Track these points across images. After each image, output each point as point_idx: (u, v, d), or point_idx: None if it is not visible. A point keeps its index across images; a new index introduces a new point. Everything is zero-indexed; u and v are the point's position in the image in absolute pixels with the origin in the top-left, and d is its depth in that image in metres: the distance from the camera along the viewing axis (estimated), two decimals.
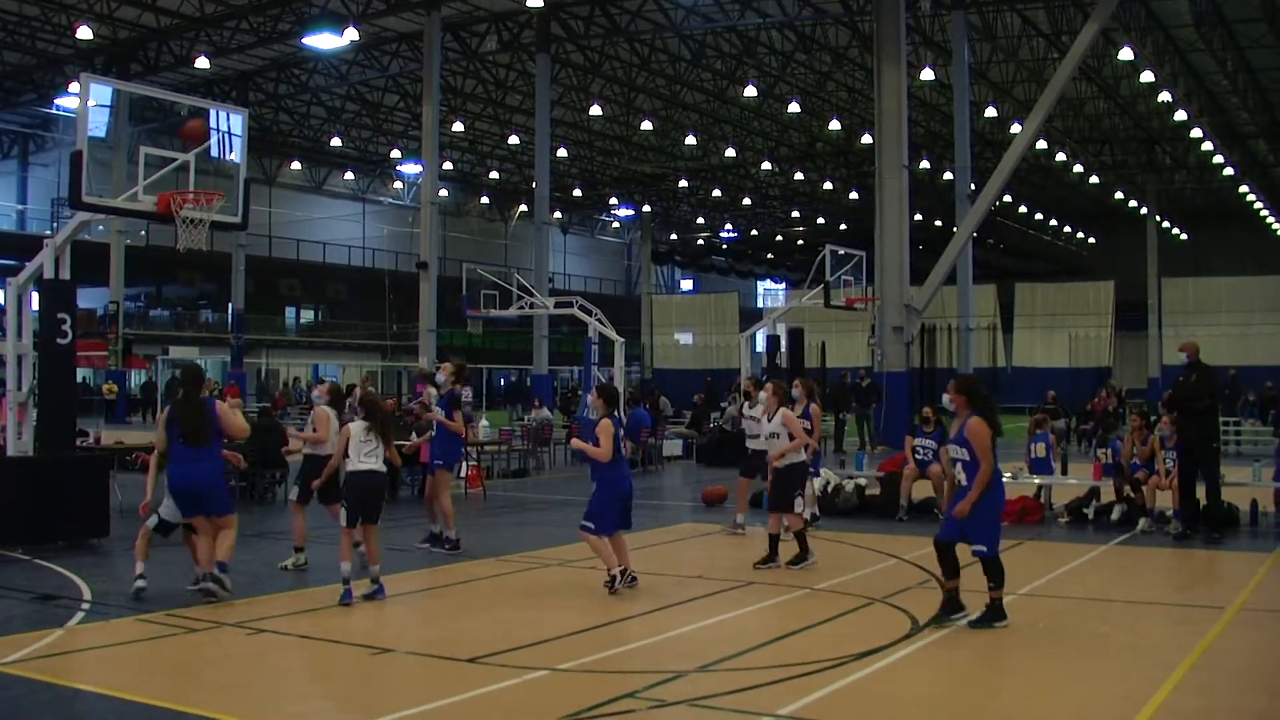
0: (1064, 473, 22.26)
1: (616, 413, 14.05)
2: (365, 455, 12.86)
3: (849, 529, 17.76)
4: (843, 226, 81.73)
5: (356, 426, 12.95)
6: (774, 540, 15.00)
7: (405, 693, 9.33)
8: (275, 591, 13.55)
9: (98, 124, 17.76)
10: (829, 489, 20.67)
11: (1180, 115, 49.81)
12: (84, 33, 44.05)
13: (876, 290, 37.20)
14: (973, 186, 43.08)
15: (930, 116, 58.50)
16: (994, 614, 11.44)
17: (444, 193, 67.30)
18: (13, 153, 74.21)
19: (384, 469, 13.13)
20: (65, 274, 17.20)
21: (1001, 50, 49.73)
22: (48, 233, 43.58)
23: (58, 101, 56.73)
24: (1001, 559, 11.55)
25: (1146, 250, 70.50)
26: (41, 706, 8.99)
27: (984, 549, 11.43)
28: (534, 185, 50.51)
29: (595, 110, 56.07)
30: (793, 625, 11.59)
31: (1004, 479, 20.81)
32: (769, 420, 15.54)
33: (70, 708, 9.07)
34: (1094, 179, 68.72)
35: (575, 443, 14.42)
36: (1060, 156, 60.84)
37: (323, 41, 45.66)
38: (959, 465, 11.56)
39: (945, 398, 11.95)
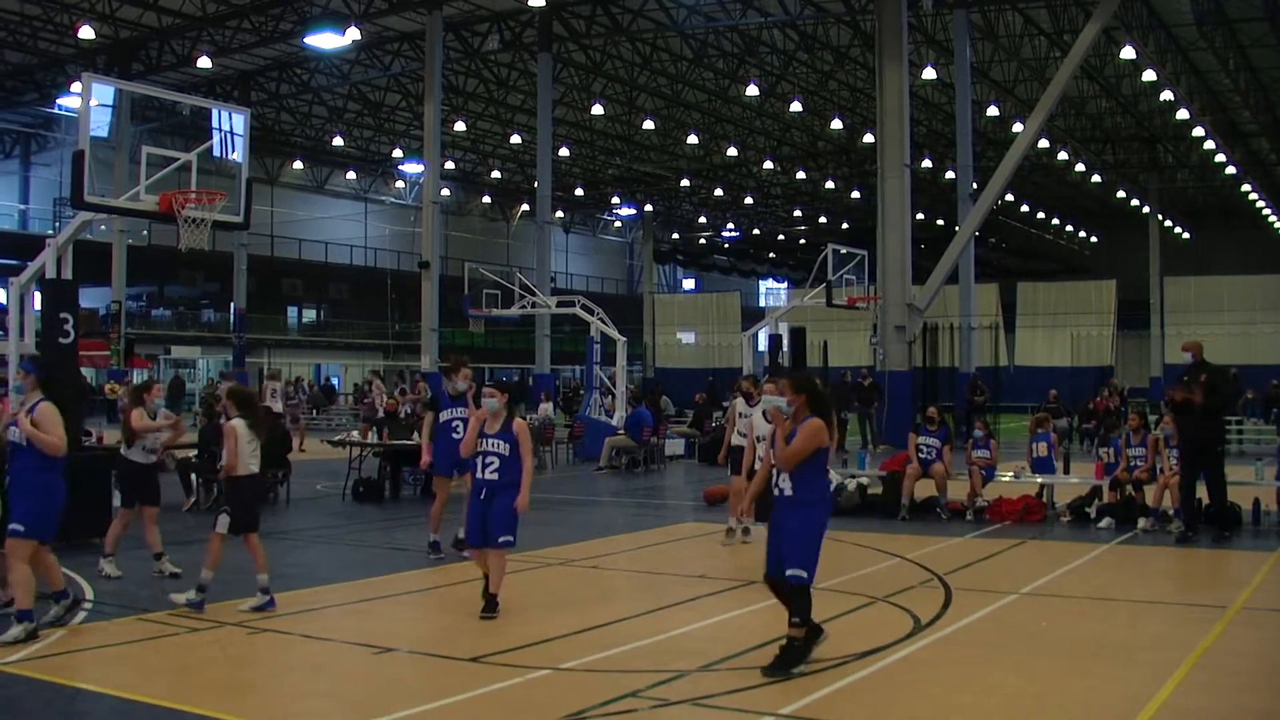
0: (1066, 472, 22.26)
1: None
2: (251, 457, 12.71)
3: (850, 528, 17.75)
4: (845, 225, 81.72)
5: (241, 426, 12.62)
6: None
7: (407, 692, 9.34)
8: (277, 590, 13.54)
9: (100, 124, 17.73)
10: (830, 487, 20.70)
11: (1182, 114, 49.79)
12: (86, 32, 44.05)
13: (878, 289, 37.21)
14: (975, 185, 43.07)
15: (932, 115, 58.50)
16: (795, 654, 9.88)
17: (446, 192, 67.36)
18: (15, 152, 74.17)
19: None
20: (67, 274, 17.23)
21: (1003, 49, 49.71)
22: (50, 232, 43.68)
23: (60, 101, 56.72)
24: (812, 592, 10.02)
25: (1149, 249, 70.44)
26: (43, 705, 9.01)
27: (802, 574, 9.84)
28: (536, 184, 50.52)
29: (597, 109, 56.08)
30: None
31: (1005, 478, 21.01)
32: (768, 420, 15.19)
33: (71, 706, 9.08)
34: (1096, 178, 68.66)
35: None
36: (1062, 155, 60.81)
37: (324, 41, 45.66)
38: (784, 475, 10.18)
39: (782, 401, 10.91)
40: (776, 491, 10.12)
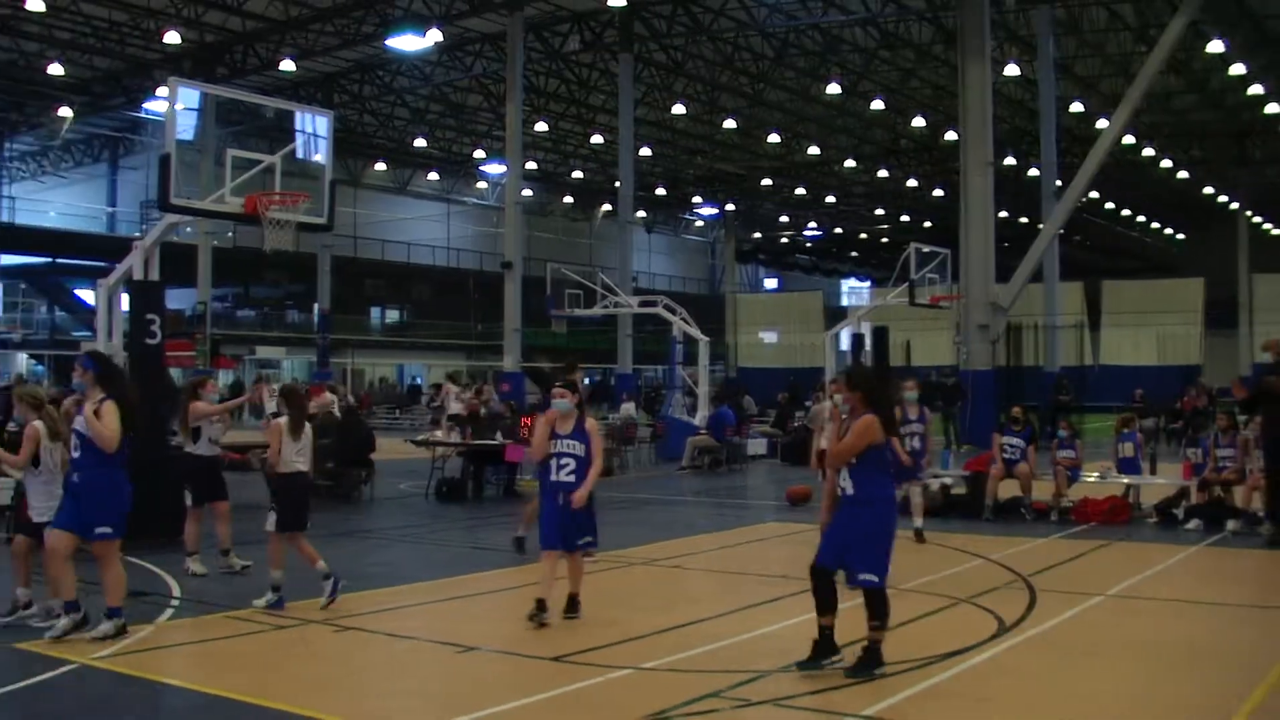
0: (1152, 472, 21.99)
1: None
2: (296, 455, 12.74)
3: (934, 528, 17.62)
4: (927, 224, 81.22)
5: (284, 424, 12.66)
6: None
7: (489, 690, 9.36)
8: (362, 589, 13.63)
9: (185, 127, 17.85)
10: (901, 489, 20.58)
11: (1272, 108, 49.15)
12: (172, 37, 44.54)
13: (961, 288, 36.95)
14: (1059, 183, 42.70)
15: (1015, 112, 58.00)
16: (875, 658, 9.77)
17: (528, 192, 67.46)
18: (103, 156, 75.17)
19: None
20: (154, 275, 17.41)
21: (1087, 44, 49.27)
22: (137, 235, 44.17)
23: (146, 105, 57.41)
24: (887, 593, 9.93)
25: (1237, 246, 69.59)
26: (131, 701, 9.11)
27: (873, 579, 9.77)
28: (618, 184, 50.59)
29: (678, 109, 55.99)
30: None
31: (1090, 479, 20.79)
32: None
33: (159, 701, 9.19)
34: (1183, 174, 67.91)
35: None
36: (1148, 151, 60.21)
37: (406, 43, 45.96)
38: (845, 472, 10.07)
39: (837, 397, 10.78)
40: (839, 490, 10.04)
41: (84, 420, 10.84)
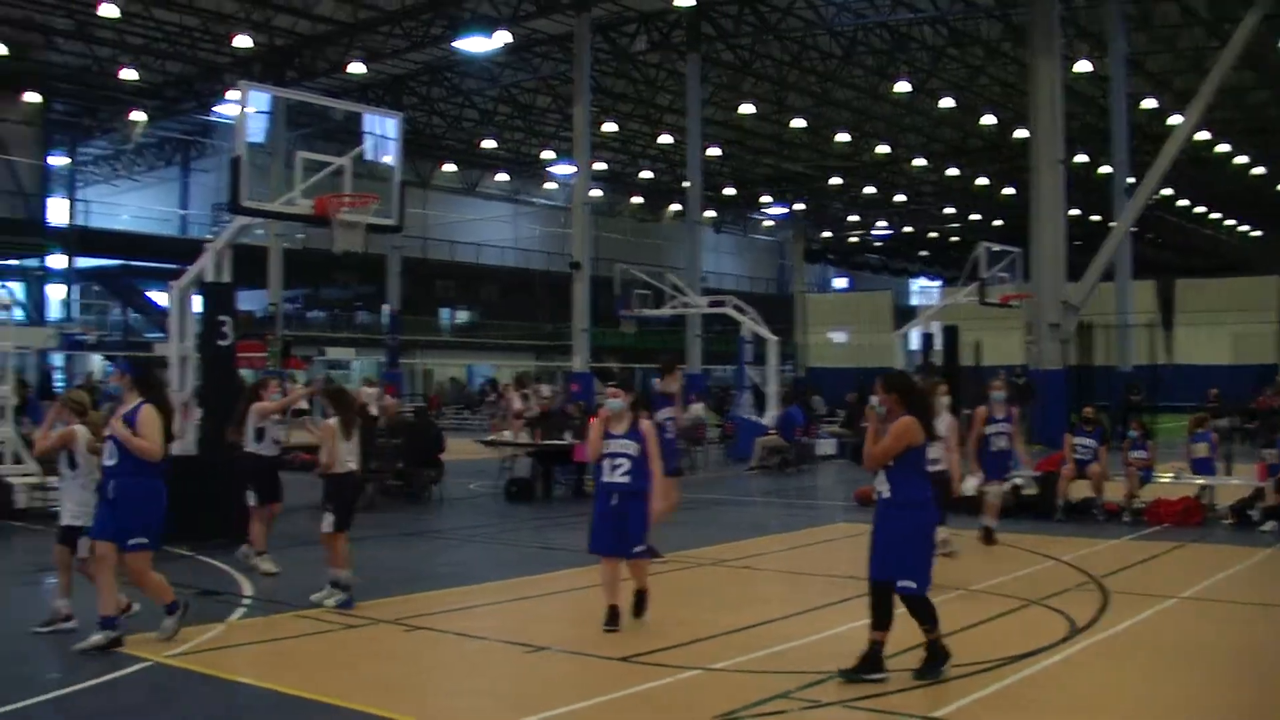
0: (1228, 473, 21.74)
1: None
2: (349, 455, 12.81)
3: (1005, 529, 17.52)
4: (997, 222, 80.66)
5: (337, 424, 12.73)
6: None
7: (559, 690, 9.39)
8: (431, 589, 13.70)
9: (256, 130, 18.04)
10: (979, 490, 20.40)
11: None
12: (242, 41, 44.90)
13: (1032, 287, 36.70)
14: (1131, 180, 42.30)
15: (1086, 109, 57.48)
16: (939, 658, 9.73)
17: (596, 193, 67.54)
18: (175, 160, 75.90)
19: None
20: (226, 277, 17.57)
21: (1159, 39, 48.81)
22: (208, 237, 44.33)
23: (217, 109, 57.86)
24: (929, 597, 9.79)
25: None
26: (203, 699, 9.20)
27: (911, 585, 9.67)
28: (686, 184, 50.54)
29: (746, 108, 55.87)
30: (947, 627, 11.40)
31: (1164, 479, 20.58)
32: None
33: (231, 700, 9.26)
34: (1257, 170, 67.16)
35: None
36: (1222, 147, 59.56)
37: (474, 45, 46.12)
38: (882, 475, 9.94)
39: (873, 399, 10.54)
40: (876, 494, 9.94)
41: (131, 426, 10.69)
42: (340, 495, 12.57)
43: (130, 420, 10.66)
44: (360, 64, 48.70)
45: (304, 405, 35.62)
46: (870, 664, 9.52)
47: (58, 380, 47.75)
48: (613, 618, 11.37)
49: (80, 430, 11.25)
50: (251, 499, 14.91)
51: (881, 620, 9.62)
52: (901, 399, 9.83)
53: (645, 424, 11.73)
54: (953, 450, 14.67)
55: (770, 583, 14.86)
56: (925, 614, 9.66)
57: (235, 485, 16.39)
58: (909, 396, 9.90)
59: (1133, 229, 40.41)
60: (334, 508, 12.45)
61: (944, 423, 14.38)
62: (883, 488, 9.80)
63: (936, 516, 10.23)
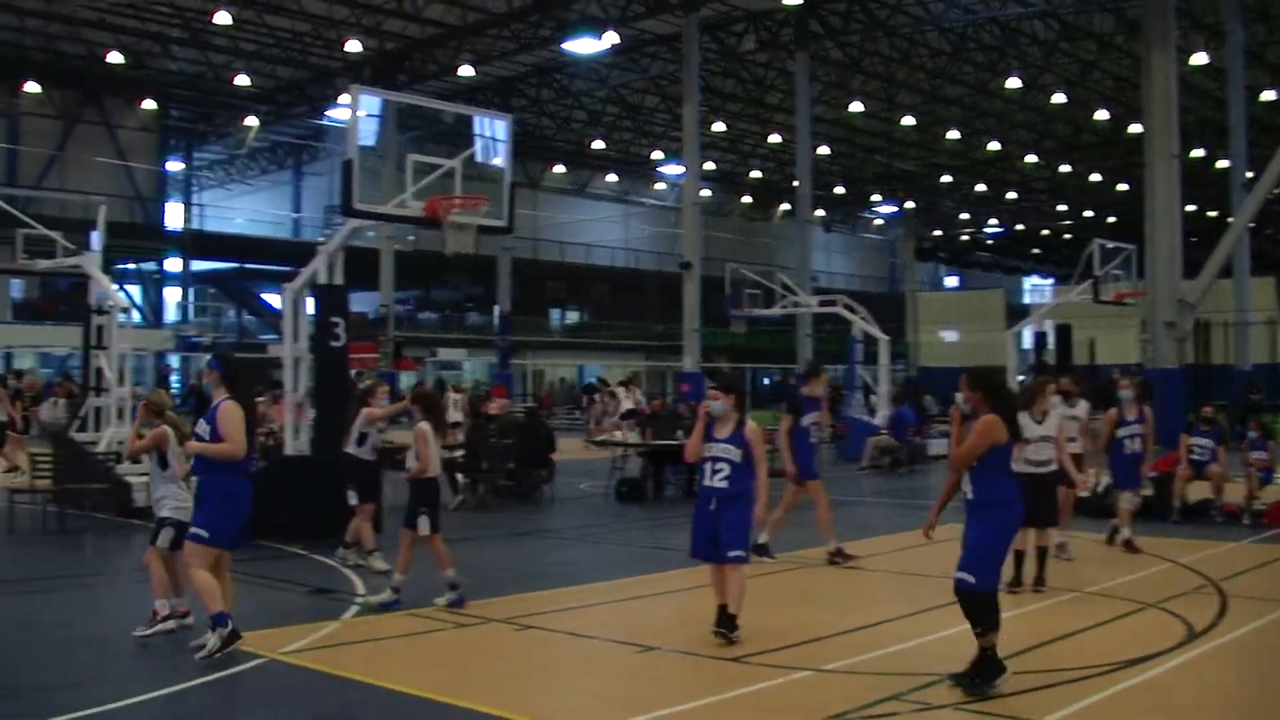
0: None
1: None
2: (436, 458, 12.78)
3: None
4: (1111, 219, 79.68)
5: (429, 428, 12.66)
6: (1018, 559, 13.31)
7: (669, 690, 9.39)
8: (542, 588, 13.76)
9: (367, 133, 18.15)
10: (1099, 489, 20.12)
11: None
12: (353, 46, 45.39)
13: (1147, 284, 36.21)
14: (1249, 174, 41.62)
15: (1202, 102, 56.63)
16: (987, 667, 9.33)
17: (706, 193, 67.44)
18: (287, 164, 76.86)
19: None
20: (338, 279, 17.73)
21: (1279, 30, 47.97)
22: (321, 240, 44.82)
23: (328, 113, 58.59)
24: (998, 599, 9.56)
25: None
26: (317, 695, 9.30)
27: (969, 579, 9.42)
28: (796, 183, 50.39)
29: (855, 107, 55.63)
30: (1061, 629, 11.34)
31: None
32: (1038, 423, 13.69)
33: (344, 696, 9.34)
34: None
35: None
36: None
37: (582, 46, 46.32)
38: (966, 475, 9.79)
39: (958, 396, 10.26)
40: (961, 494, 9.79)
41: (212, 423, 10.59)
42: (431, 498, 12.62)
43: (210, 418, 10.61)
44: (469, 67, 49.09)
45: (457, 416, 36.09)
46: (986, 669, 9.33)
47: (174, 381, 48.41)
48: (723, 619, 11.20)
49: (168, 430, 11.28)
50: (353, 499, 15.02)
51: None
52: (986, 396, 9.65)
53: (750, 427, 11.27)
54: (1063, 449, 14.16)
55: (881, 583, 14.77)
56: (980, 614, 9.39)
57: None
58: (994, 394, 9.71)
59: (1251, 224, 39.71)
60: (428, 511, 12.48)
61: (1053, 422, 13.90)
62: (967, 488, 9.68)
63: (1019, 516, 9.88)
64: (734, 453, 11.09)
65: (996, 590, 9.50)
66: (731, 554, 11.06)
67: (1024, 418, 13.00)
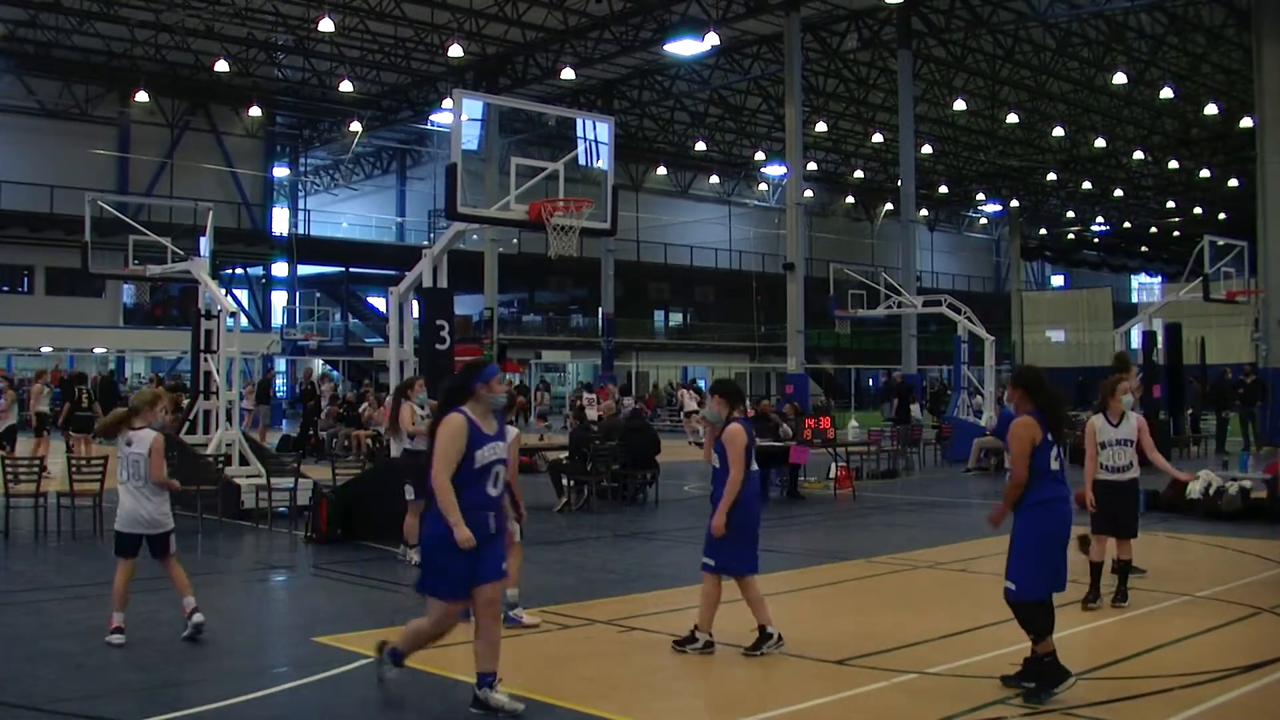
0: None
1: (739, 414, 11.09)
2: None
3: (1232, 534, 17.03)
4: (1222, 216, 78.68)
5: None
6: (1096, 571, 12.60)
7: (772, 693, 9.35)
8: (646, 590, 13.75)
9: (470, 137, 18.37)
10: (1210, 491, 19.82)
11: None
12: (455, 51, 45.67)
13: (1260, 281, 35.66)
14: None
15: None
16: (1046, 674, 8.99)
17: (809, 193, 67.36)
18: (391, 168, 77.66)
19: None
20: (443, 282, 17.81)
21: None
22: (425, 243, 45.26)
23: (432, 118, 59.11)
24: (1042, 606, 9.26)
25: None
26: (424, 694, 9.34)
27: (1011, 587, 9.22)
28: (899, 183, 50.13)
29: (959, 105, 55.25)
30: (1171, 634, 11.15)
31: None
32: (1114, 425, 12.74)
33: (451, 695, 9.37)
34: None
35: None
36: None
37: (684, 47, 46.34)
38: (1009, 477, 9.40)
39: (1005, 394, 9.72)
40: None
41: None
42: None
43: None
44: (571, 70, 49.30)
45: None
46: (1041, 676, 9.06)
47: (280, 385, 48.92)
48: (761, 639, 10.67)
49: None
50: (409, 493, 15.07)
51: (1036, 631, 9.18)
52: (1028, 395, 9.41)
53: (731, 429, 10.65)
54: (1152, 450, 13.26)
55: (987, 586, 14.57)
56: (1029, 622, 9.15)
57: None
58: (1036, 393, 9.42)
59: None
60: (516, 515, 12.08)
61: (1132, 423, 12.78)
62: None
63: (1065, 519, 9.41)
64: (716, 458, 10.74)
65: (1044, 597, 9.25)
66: (704, 562, 10.75)
67: (1100, 420, 12.72)
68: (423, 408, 15.56)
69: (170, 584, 11.15)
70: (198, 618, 11.00)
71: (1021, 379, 9.59)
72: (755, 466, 10.86)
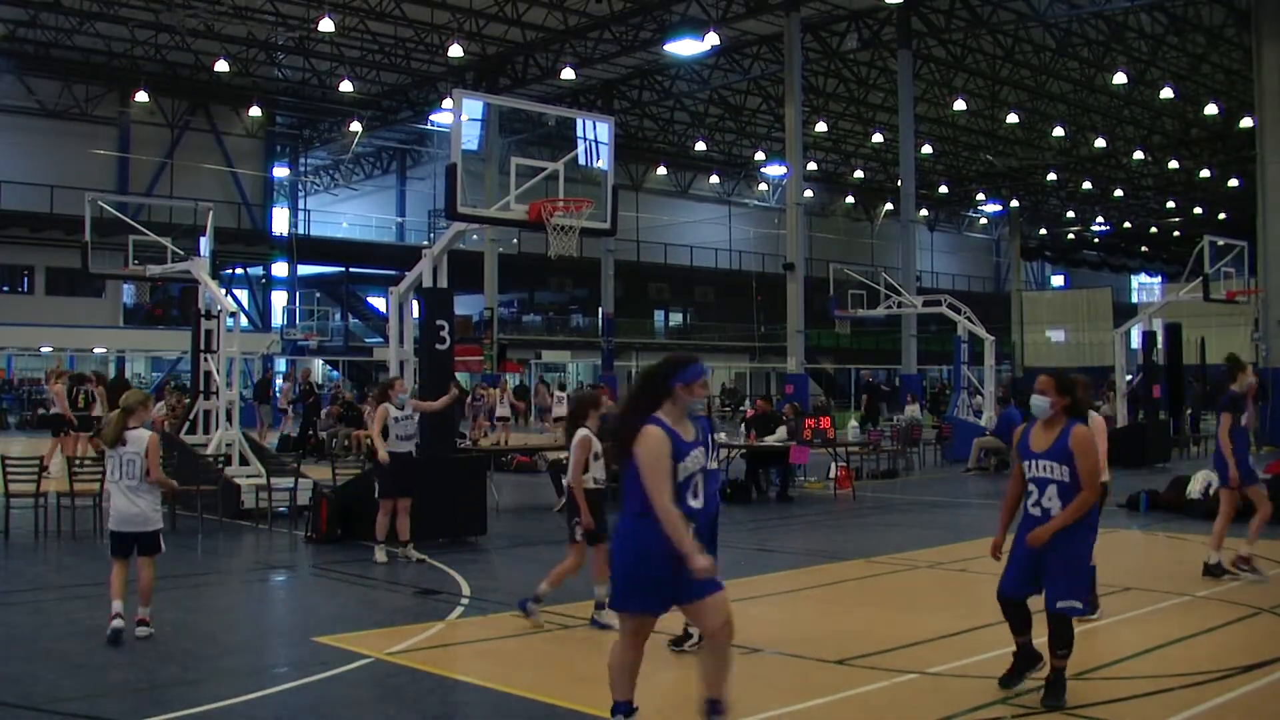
0: None
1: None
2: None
3: (1232, 534, 16.97)
4: (1222, 216, 78.67)
5: (590, 435, 11.56)
6: None
7: (773, 692, 9.33)
8: None
9: (470, 137, 18.35)
10: (1210, 491, 19.80)
11: None
12: (455, 51, 45.67)
13: (1260, 282, 35.66)
14: None
15: None
16: (1062, 688, 8.86)
17: (809, 193, 67.37)
18: (391, 168, 77.68)
19: None
20: (443, 282, 17.80)
21: None
22: (425, 243, 45.26)
23: (432, 118, 59.15)
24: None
25: None
26: (424, 694, 9.33)
27: (1077, 606, 8.83)
28: (899, 183, 50.15)
29: (959, 105, 55.25)
30: (1172, 634, 11.15)
31: None
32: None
33: (450, 696, 9.38)
34: None
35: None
36: None
37: (684, 47, 46.34)
38: (1050, 489, 9.01)
39: (1036, 398, 9.37)
40: (1039, 510, 9.05)
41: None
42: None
43: None
44: (571, 70, 49.31)
45: (505, 412, 36.25)
46: (1026, 662, 9.19)
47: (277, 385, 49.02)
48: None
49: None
50: (378, 491, 15.48)
51: (1020, 626, 9.27)
52: (1071, 404, 9.18)
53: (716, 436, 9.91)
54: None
55: (987, 586, 14.53)
56: (1070, 637, 8.93)
57: (458, 486, 16.80)
58: (1076, 403, 9.26)
59: None
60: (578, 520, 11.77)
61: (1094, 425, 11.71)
62: (1052, 504, 8.98)
63: (1094, 529, 9.39)
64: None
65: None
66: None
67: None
68: (402, 408, 15.66)
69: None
70: (142, 631, 10.92)
71: (1066, 387, 9.21)
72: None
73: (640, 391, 7.83)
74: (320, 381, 54.38)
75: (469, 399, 40.31)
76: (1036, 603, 9.02)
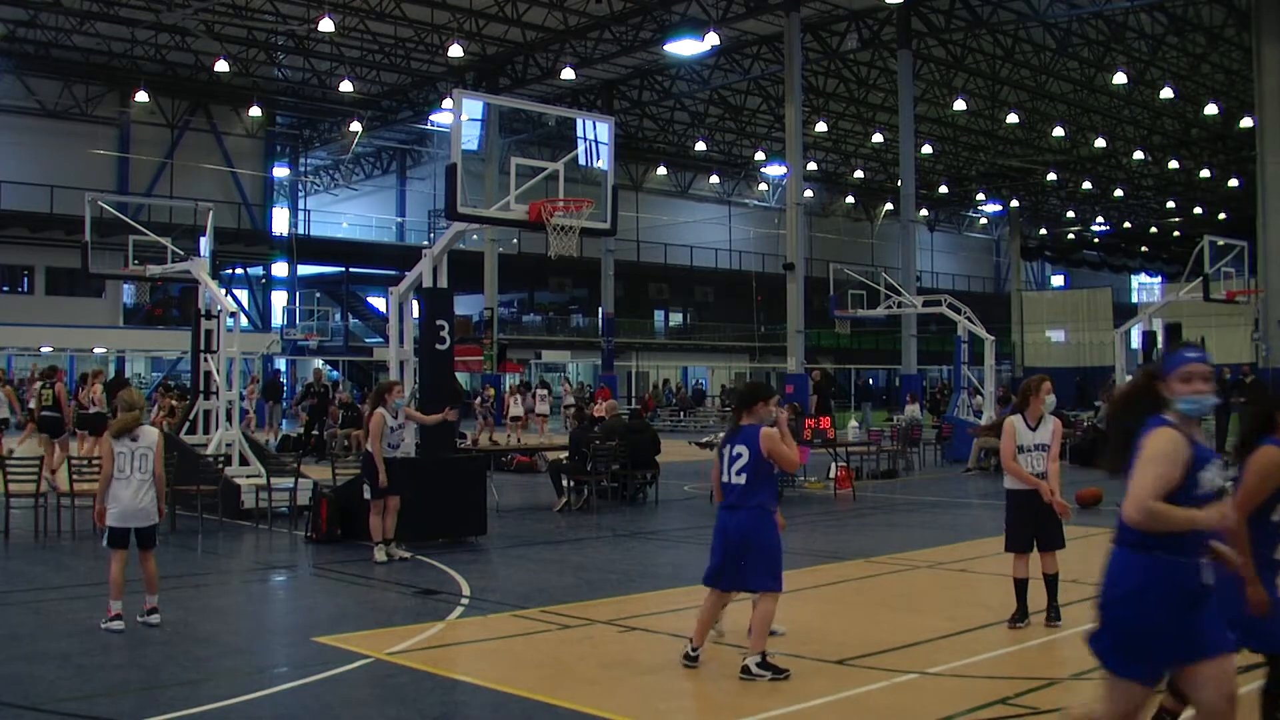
0: None
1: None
2: None
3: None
4: (1222, 216, 78.66)
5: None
6: (1022, 589, 11.65)
7: (773, 693, 9.31)
8: (646, 590, 13.74)
9: (470, 137, 18.33)
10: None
11: None
12: (455, 51, 45.69)
13: (1260, 281, 35.65)
14: None
15: None
16: None
17: (809, 193, 67.42)
18: (391, 168, 77.71)
19: None
20: (443, 282, 17.80)
21: None
22: (425, 243, 45.27)
23: (432, 118, 59.19)
24: None
25: None
26: (424, 694, 9.31)
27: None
28: (899, 183, 50.14)
29: (959, 105, 55.23)
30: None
31: None
32: (1032, 429, 11.67)
33: (449, 696, 9.37)
34: None
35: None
36: None
37: (684, 48, 46.34)
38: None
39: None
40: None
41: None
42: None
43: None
44: (571, 70, 49.32)
45: (518, 411, 36.31)
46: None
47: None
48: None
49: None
50: (366, 493, 15.65)
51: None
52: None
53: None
54: (1055, 459, 11.69)
55: (988, 586, 14.60)
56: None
57: (458, 486, 16.80)
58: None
59: None
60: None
61: (1048, 428, 11.70)
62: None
63: None
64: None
65: None
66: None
67: (1018, 422, 11.68)
68: (395, 416, 15.70)
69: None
70: (154, 619, 11.35)
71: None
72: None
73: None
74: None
75: (476, 400, 40.40)
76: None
